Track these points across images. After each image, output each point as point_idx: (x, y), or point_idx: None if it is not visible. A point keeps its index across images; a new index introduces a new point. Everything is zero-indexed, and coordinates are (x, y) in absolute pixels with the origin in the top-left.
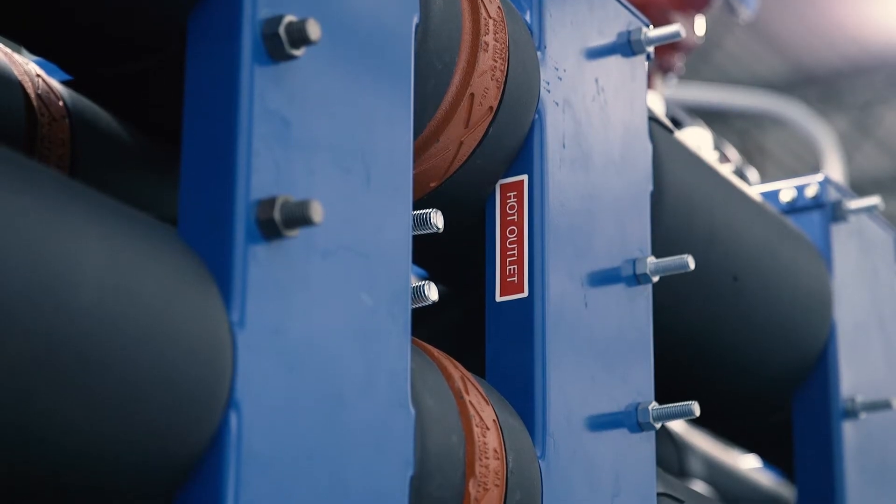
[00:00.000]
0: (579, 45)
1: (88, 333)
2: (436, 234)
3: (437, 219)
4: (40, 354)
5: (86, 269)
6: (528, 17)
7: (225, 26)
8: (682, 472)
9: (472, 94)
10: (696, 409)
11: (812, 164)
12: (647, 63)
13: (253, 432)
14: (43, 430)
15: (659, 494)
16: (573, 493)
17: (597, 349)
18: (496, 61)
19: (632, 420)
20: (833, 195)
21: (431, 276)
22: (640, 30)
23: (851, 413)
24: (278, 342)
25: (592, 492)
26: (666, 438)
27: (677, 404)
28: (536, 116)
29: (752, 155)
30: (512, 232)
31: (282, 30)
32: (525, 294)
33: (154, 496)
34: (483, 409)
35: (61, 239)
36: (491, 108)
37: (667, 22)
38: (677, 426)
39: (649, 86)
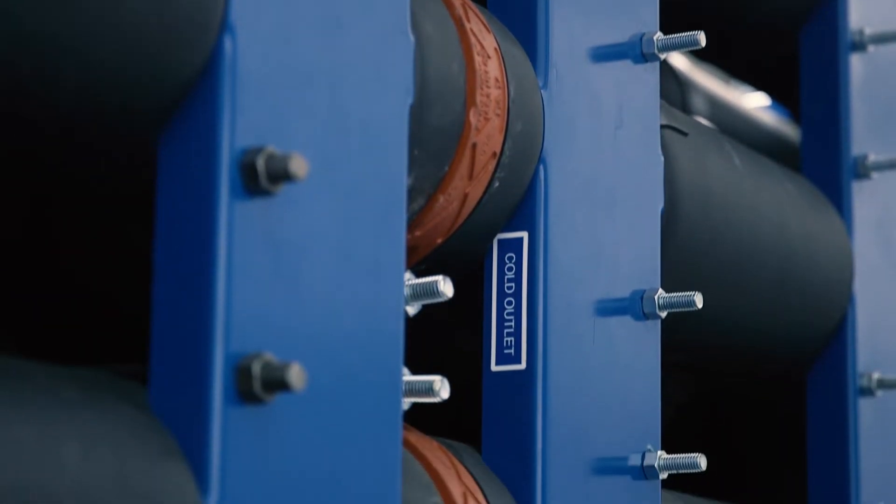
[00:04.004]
0: None
1: None
2: None
3: None
4: None
5: None
6: None
7: None
8: (685, 110)
9: None
10: (701, 38)
11: None
12: None
13: (248, 57)
14: (38, 45)
15: (662, 126)
16: (575, 123)
17: None
18: None
19: (636, 51)
20: None
21: None
22: None
23: (859, 45)
24: None
25: (595, 122)
26: (669, 75)
27: (682, 34)
28: None
29: None
30: None
31: None
32: None
33: (146, 123)
34: (484, 37)
35: None
36: None
37: None
38: (681, 64)
39: None
